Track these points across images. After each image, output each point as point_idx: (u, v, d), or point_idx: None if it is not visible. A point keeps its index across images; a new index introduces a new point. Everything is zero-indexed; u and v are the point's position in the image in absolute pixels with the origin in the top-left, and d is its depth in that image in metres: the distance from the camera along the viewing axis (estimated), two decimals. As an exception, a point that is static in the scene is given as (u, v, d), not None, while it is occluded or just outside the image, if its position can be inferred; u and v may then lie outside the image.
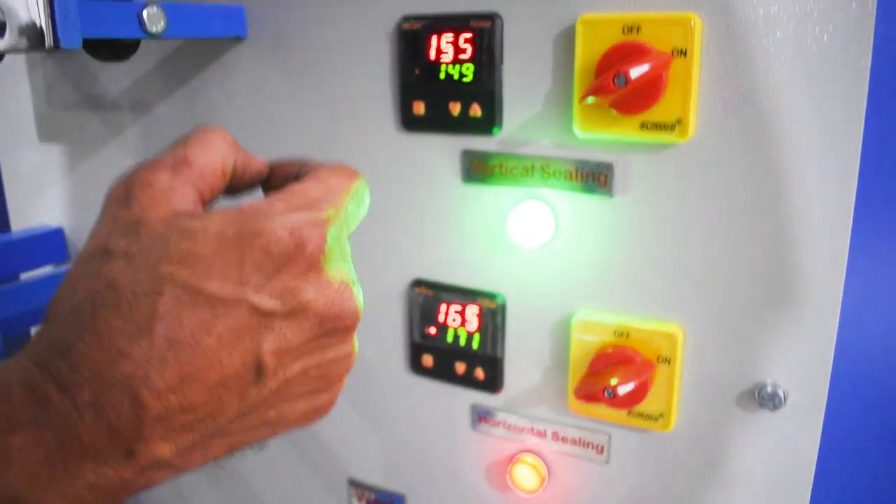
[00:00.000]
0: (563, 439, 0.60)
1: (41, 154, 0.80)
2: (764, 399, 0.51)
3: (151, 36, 0.54)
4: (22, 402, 0.26)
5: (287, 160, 0.38)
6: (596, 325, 0.55)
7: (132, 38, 0.54)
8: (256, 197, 0.33)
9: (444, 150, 0.58)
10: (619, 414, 0.55)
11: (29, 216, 0.83)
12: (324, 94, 0.62)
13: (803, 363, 0.50)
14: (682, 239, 0.52)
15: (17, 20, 0.44)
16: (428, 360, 0.63)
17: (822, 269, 0.48)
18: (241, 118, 0.66)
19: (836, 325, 0.49)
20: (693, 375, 0.54)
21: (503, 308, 0.59)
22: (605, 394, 0.50)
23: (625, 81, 0.45)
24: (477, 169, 0.57)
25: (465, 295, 0.60)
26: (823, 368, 0.50)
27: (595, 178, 0.53)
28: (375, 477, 0.70)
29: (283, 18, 0.62)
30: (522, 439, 0.62)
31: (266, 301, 0.29)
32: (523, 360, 0.60)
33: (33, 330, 0.76)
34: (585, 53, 0.49)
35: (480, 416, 0.63)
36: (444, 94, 0.56)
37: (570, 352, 0.56)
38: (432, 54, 0.55)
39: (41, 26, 0.45)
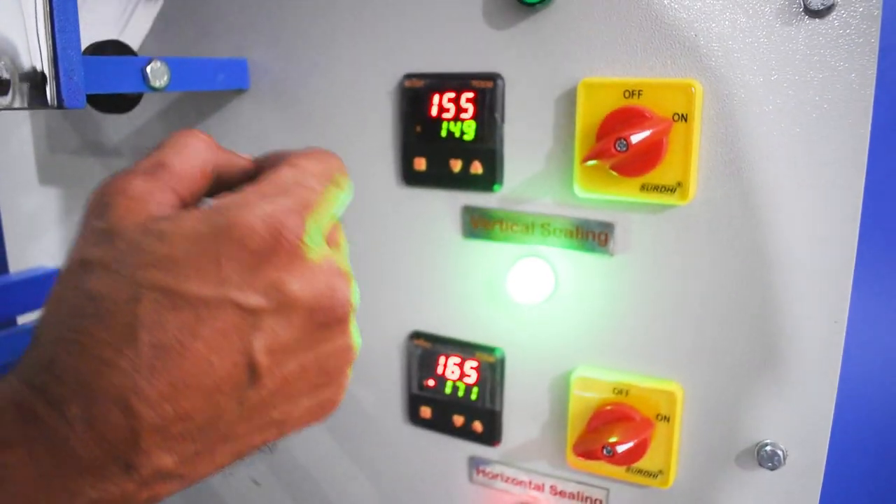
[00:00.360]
0: (562, 493, 0.60)
1: (41, 197, 0.80)
2: (763, 458, 0.51)
3: (155, 90, 0.54)
4: (11, 421, 0.25)
5: (271, 154, 0.36)
6: (595, 382, 0.54)
7: (135, 92, 0.55)
8: None
9: (445, 205, 0.58)
10: (618, 470, 0.55)
11: (27, 258, 0.83)
12: (325, 146, 0.61)
13: (803, 422, 0.50)
14: (682, 298, 0.52)
15: (20, 78, 0.43)
16: (426, 411, 0.62)
17: (822, 328, 0.48)
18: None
19: (836, 384, 0.49)
20: (692, 433, 0.54)
21: (502, 362, 0.59)
22: (604, 452, 0.50)
23: (626, 146, 0.45)
24: (478, 225, 0.57)
25: (464, 348, 0.60)
26: (823, 427, 0.50)
27: (595, 237, 0.53)
28: (372, 526, 0.70)
29: (286, 72, 0.62)
30: (520, 492, 0.61)
31: (251, 298, 0.28)
32: (522, 413, 0.59)
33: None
34: (587, 116, 0.50)
35: (478, 468, 0.62)
36: (446, 151, 0.56)
37: (568, 407, 0.56)
38: (434, 111, 0.56)
39: (45, 85, 0.44)
